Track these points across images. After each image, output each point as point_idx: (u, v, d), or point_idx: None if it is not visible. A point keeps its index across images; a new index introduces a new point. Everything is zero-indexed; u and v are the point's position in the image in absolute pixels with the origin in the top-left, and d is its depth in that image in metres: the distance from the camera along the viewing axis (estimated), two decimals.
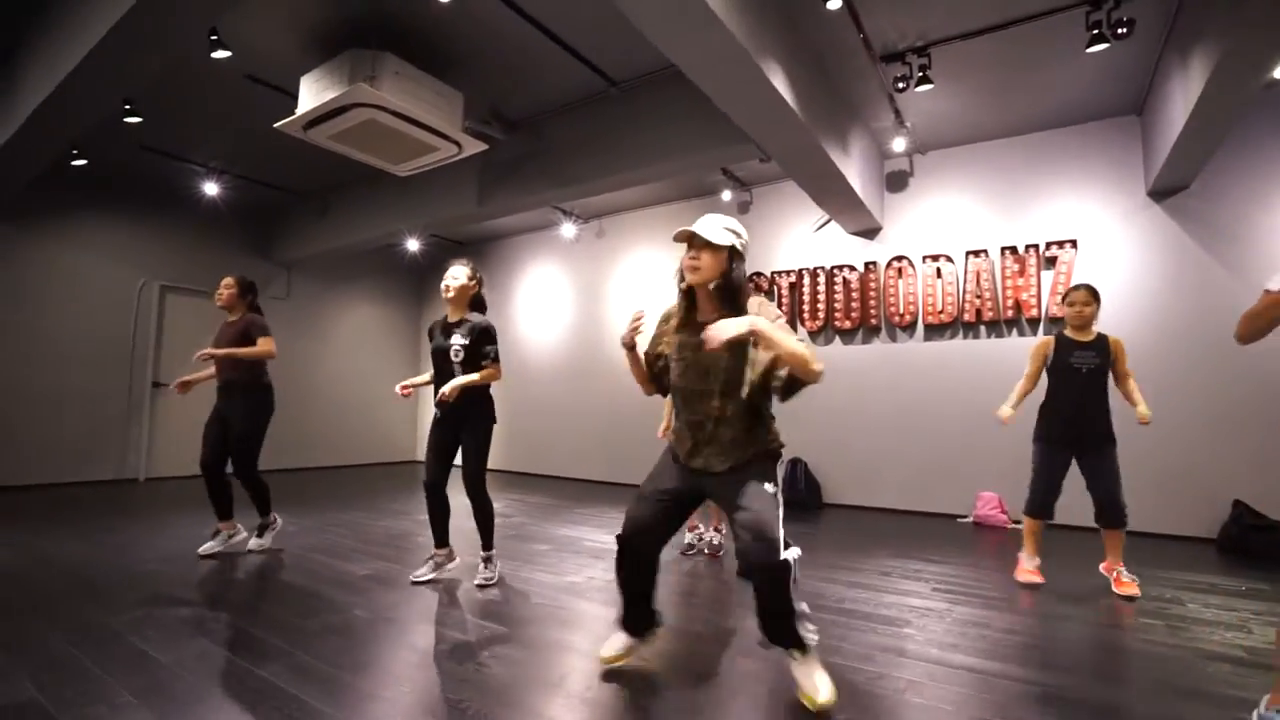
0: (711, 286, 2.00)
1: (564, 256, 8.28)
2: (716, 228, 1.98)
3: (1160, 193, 4.95)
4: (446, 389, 3.03)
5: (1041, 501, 3.41)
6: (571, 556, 3.95)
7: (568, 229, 7.72)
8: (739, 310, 1.95)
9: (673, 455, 2.16)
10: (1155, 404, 4.31)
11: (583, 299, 8.11)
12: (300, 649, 2.37)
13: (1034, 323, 5.37)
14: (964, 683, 2.19)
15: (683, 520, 2.14)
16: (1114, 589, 3.25)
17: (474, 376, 3.12)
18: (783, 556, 1.83)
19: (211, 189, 6.37)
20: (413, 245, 8.12)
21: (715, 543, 4.00)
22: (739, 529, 1.89)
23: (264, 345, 3.71)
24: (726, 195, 6.59)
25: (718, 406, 2.00)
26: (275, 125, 4.17)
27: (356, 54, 3.79)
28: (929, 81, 4.22)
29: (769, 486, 1.94)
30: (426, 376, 3.37)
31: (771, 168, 6.13)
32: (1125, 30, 3.70)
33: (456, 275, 3.25)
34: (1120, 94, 4.85)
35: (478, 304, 3.35)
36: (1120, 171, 5.13)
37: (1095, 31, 3.76)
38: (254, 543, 3.84)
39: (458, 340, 3.18)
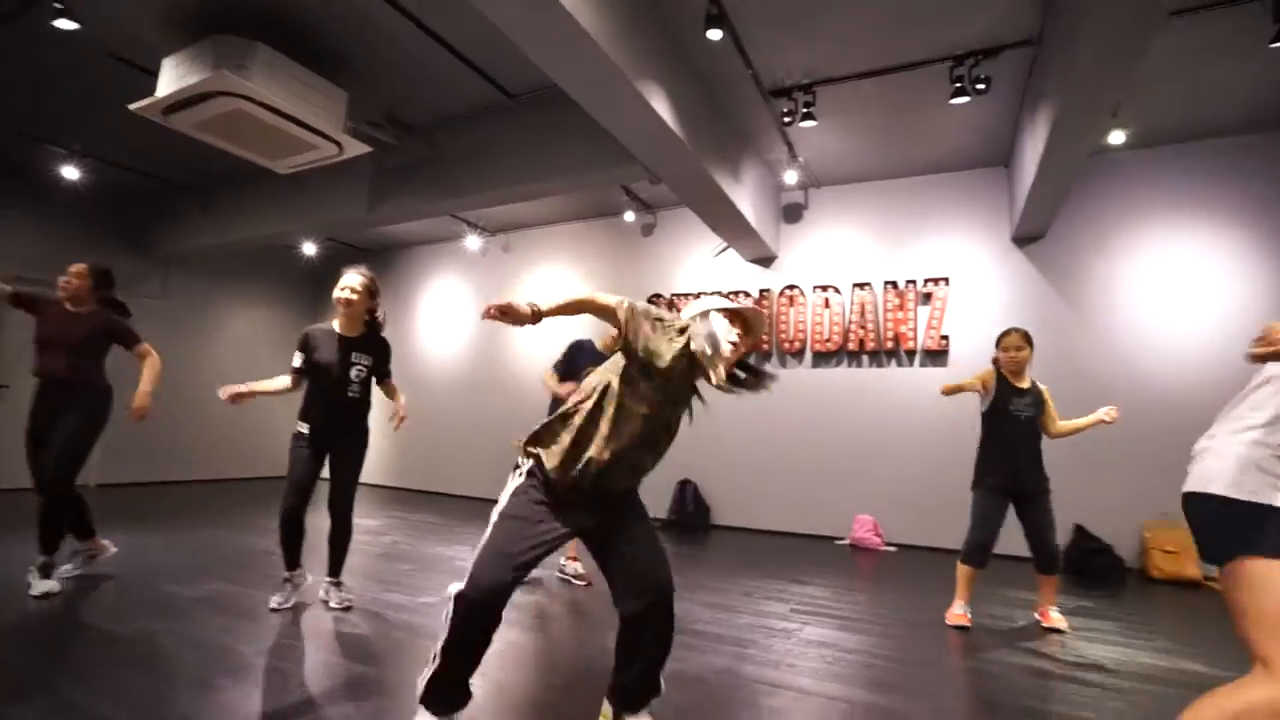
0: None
1: (468, 269, 8.10)
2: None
3: (1021, 239, 5.36)
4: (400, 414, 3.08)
5: (979, 550, 3.21)
6: (435, 576, 3.77)
7: (473, 241, 7.56)
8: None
9: (541, 488, 1.75)
10: None
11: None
12: (72, 683, 2.11)
13: (911, 354, 5.66)
14: (785, 701, 2.20)
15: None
16: (1043, 623, 3.25)
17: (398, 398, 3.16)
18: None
19: (71, 173, 5.84)
20: (308, 249, 7.73)
21: (580, 570, 3.85)
22: (636, 562, 1.74)
23: (153, 355, 3.36)
24: (630, 216, 6.65)
25: (665, 439, 1.79)
26: (131, 107, 3.87)
27: (224, 40, 3.58)
28: (813, 118, 4.41)
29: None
30: (275, 385, 2.94)
31: (672, 193, 6.24)
32: (984, 86, 4.00)
33: (354, 287, 2.93)
34: (990, 146, 5.23)
35: (372, 318, 3.10)
36: (989, 218, 5.52)
37: (958, 85, 4.05)
38: (63, 569, 3.30)
39: (362, 359, 2.99)
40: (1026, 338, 3.26)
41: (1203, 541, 1.46)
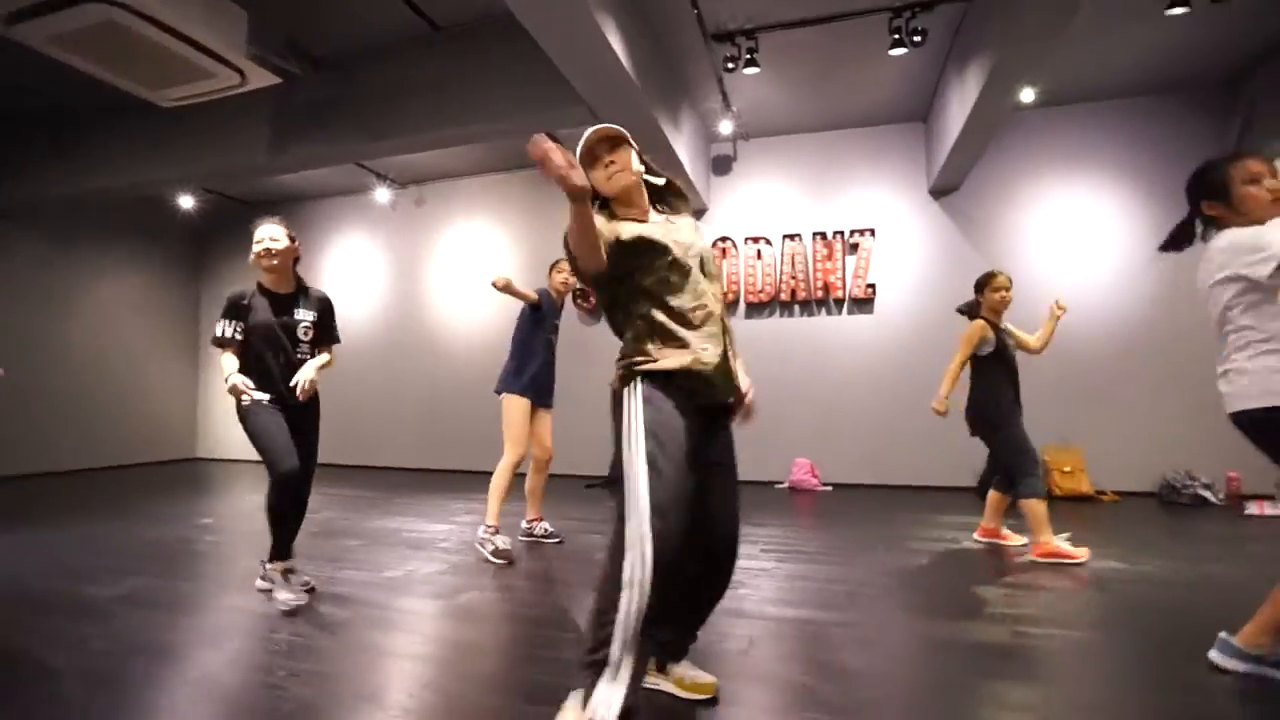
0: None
1: (378, 224, 7.49)
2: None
3: (937, 191, 5.66)
4: (305, 378, 2.54)
5: (1042, 477, 3.36)
6: (388, 549, 3.53)
7: (382, 194, 6.97)
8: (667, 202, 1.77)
9: (681, 392, 1.48)
10: (935, 372, 5.00)
11: (399, 272, 7.41)
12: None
13: (839, 303, 5.89)
14: (799, 633, 2.26)
15: None
16: (1003, 543, 3.50)
17: (324, 359, 2.71)
18: None
19: None
20: (185, 201, 6.82)
21: (549, 527, 3.73)
22: (722, 509, 1.59)
23: None
24: None
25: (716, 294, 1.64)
26: None
27: None
28: (756, 65, 4.37)
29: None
30: (232, 367, 2.54)
31: None
32: (920, 39, 4.11)
33: (275, 236, 2.62)
34: (910, 101, 5.44)
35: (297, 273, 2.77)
36: (909, 171, 5.77)
37: (896, 36, 4.14)
38: None
39: (305, 315, 2.65)
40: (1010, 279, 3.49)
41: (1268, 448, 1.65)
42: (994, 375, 3.42)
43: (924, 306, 5.64)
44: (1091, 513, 4.57)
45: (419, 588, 2.85)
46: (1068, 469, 5.12)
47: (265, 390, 2.52)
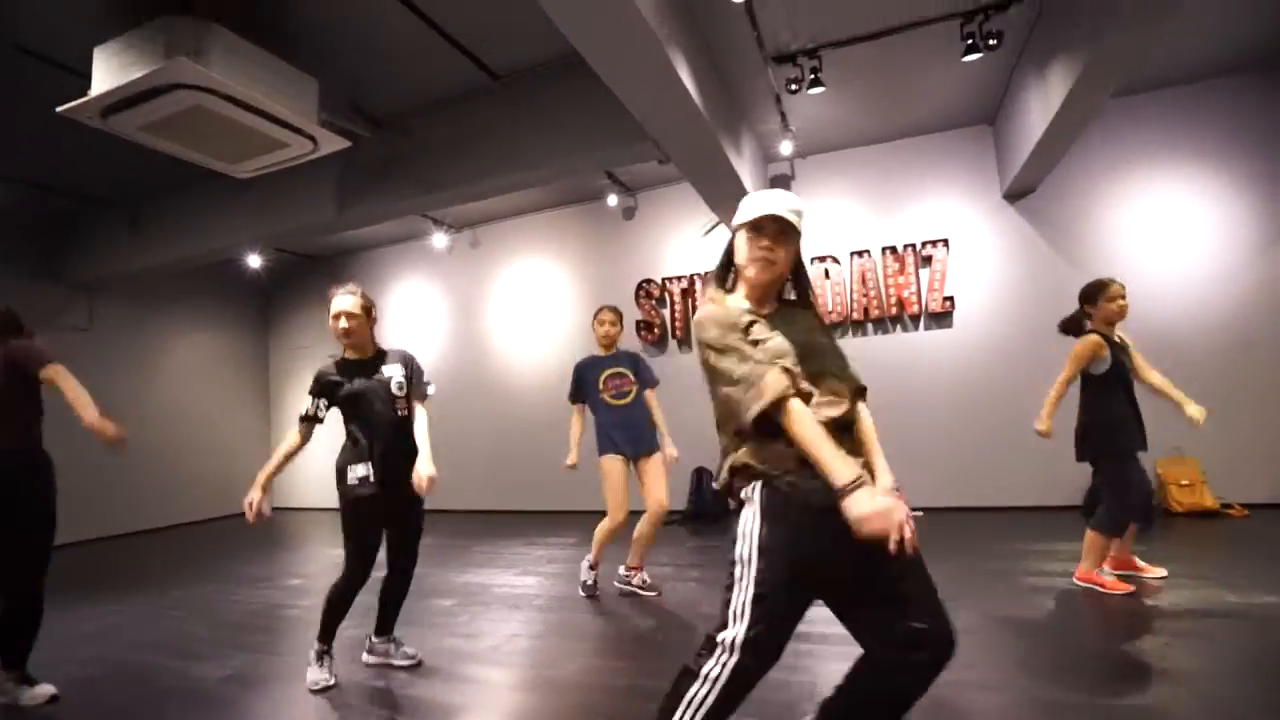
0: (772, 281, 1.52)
1: (435, 269, 7.58)
2: (792, 208, 1.48)
3: (1013, 195, 5.38)
4: (426, 474, 2.47)
5: (1139, 510, 3.06)
6: (482, 610, 3.44)
7: (439, 239, 7.05)
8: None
9: (802, 510, 1.33)
10: (1020, 387, 4.71)
11: (458, 314, 7.47)
12: None
13: (915, 319, 5.64)
14: (996, 704, 2.05)
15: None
16: (1141, 574, 3.24)
17: (424, 424, 2.63)
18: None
19: None
20: (253, 261, 7.02)
21: (647, 579, 3.61)
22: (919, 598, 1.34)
23: (63, 371, 2.46)
24: (613, 200, 6.33)
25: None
26: (61, 109, 3.25)
27: (172, 21, 3.04)
28: (820, 84, 4.23)
29: None
30: (281, 452, 2.51)
31: (655, 171, 5.96)
32: (996, 42, 3.90)
33: (350, 310, 2.54)
34: (976, 105, 5.21)
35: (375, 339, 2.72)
36: (978, 176, 5.51)
37: (969, 42, 3.94)
38: None
39: (394, 373, 2.59)
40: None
41: None
42: (1108, 396, 3.08)
43: (1006, 316, 5.35)
44: (1223, 531, 4.19)
45: (519, 659, 2.74)
46: (1185, 483, 4.72)
47: (374, 460, 2.47)
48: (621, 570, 3.62)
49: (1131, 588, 3.07)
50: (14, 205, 5.63)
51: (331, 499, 2.58)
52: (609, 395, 3.53)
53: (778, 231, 1.46)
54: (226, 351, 8.17)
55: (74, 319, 6.58)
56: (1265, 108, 4.83)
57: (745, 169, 5.01)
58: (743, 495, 1.42)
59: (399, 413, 2.56)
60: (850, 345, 5.71)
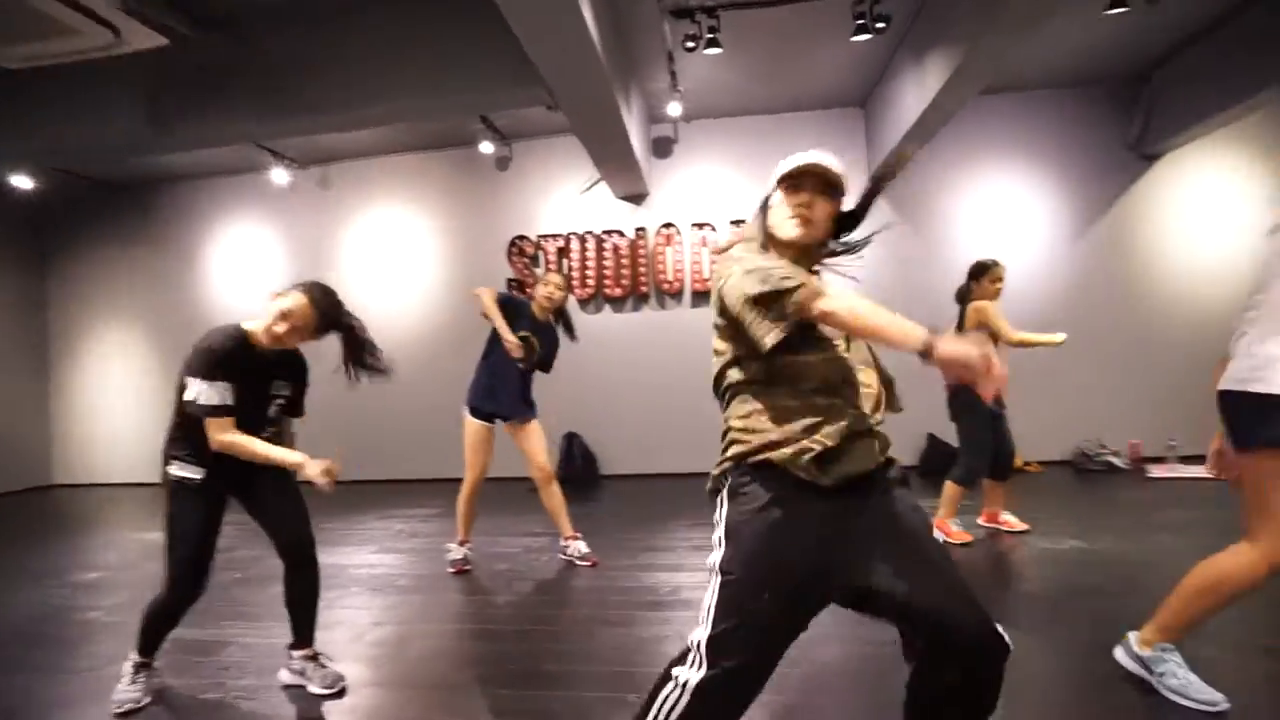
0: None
1: (273, 208, 6.58)
2: (836, 165, 1.33)
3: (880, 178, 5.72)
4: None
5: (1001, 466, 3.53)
6: (338, 597, 3.07)
7: (279, 174, 6.10)
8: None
9: (781, 493, 1.20)
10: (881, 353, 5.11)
11: (301, 262, 6.58)
12: None
13: None
14: (828, 649, 2.14)
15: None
16: (1008, 530, 3.64)
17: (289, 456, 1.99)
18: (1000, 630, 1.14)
19: None
20: (22, 182, 5.62)
21: (585, 549, 3.45)
22: (936, 593, 1.15)
23: None
24: (488, 147, 5.84)
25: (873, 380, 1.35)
26: None
27: None
28: (718, 45, 4.13)
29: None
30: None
31: (534, 120, 5.60)
32: (884, 25, 4.03)
33: (290, 306, 2.01)
34: (854, 86, 5.43)
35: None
36: (849, 156, 5.78)
37: (860, 22, 4.04)
38: None
39: (282, 390, 2.11)
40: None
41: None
42: None
43: (869, 291, 5.72)
44: (1023, 483, 4.85)
45: (382, 650, 2.47)
46: None
47: (201, 465, 2.00)
48: (562, 540, 3.48)
49: (969, 537, 3.45)
50: None
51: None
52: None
53: (817, 189, 1.33)
54: None
55: None
56: (1102, 119, 5.53)
57: (633, 126, 4.83)
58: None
59: (263, 429, 2.06)
60: None
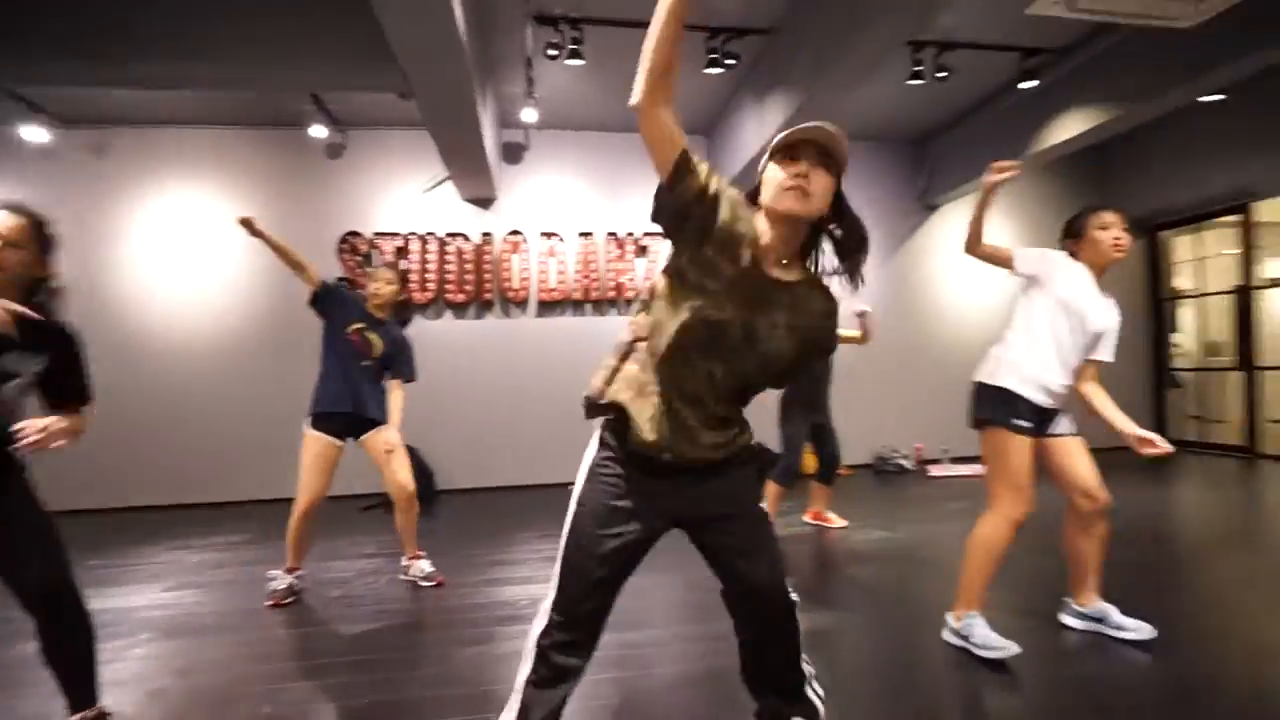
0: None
1: (29, 175, 5.25)
2: (837, 134, 1.24)
3: None
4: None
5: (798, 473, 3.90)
6: (126, 647, 2.53)
7: (34, 132, 4.95)
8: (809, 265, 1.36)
9: (616, 459, 1.33)
10: None
11: (66, 243, 5.39)
12: None
13: (630, 303, 6.03)
14: (662, 653, 2.22)
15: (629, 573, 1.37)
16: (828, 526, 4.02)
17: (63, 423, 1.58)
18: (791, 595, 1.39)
19: None
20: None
21: (428, 569, 3.16)
22: (747, 562, 1.35)
23: None
24: (320, 131, 5.27)
25: (752, 373, 1.31)
26: None
27: None
28: (580, 57, 4.18)
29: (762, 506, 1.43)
30: None
31: (372, 108, 5.22)
32: (734, 62, 4.36)
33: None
34: (701, 115, 5.78)
35: (37, 286, 1.67)
36: None
37: (713, 56, 4.32)
38: None
39: (22, 365, 1.57)
40: None
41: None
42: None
43: None
44: (838, 485, 5.45)
45: (191, 701, 2.10)
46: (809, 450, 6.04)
47: None
48: (403, 559, 3.19)
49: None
50: None
51: None
52: (352, 345, 2.96)
53: (816, 159, 1.24)
54: None
55: None
56: (897, 171, 6.44)
57: (487, 127, 4.67)
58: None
59: None
60: (570, 324, 5.90)
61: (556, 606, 1.32)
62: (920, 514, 4.48)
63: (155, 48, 3.47)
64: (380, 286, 3.05)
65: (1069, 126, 4.95)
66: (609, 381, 1.34)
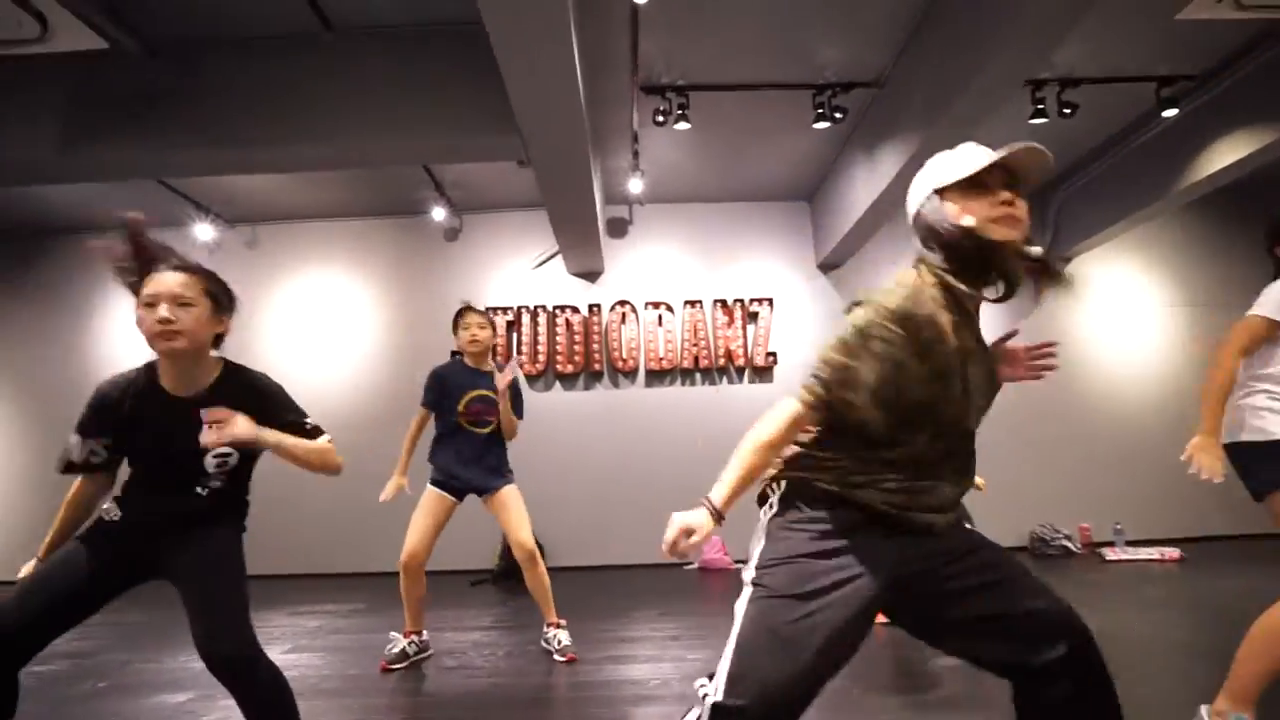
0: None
1: None
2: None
3: (825, 266, 5.94)
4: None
5: None
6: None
7: (203, 230, 5.60)
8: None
9: (855, 526, 1.19)
10: None
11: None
12: None
13: (740, 370, 5.80)
14: None
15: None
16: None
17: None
18: None
19: None
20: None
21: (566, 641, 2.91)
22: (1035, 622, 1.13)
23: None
24: (439, 214, 5.65)
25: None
26: None
27: None
28: (687, 120, 4.25)
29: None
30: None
31: (486, 194, 5.57)
32: (841, 116, 4.30)
33: (174, 286, 1.54)
34: (801, 182, 5.73)
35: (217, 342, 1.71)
36: (798, 245, 6.02)
37: (820, 111, 4.29)
38: None
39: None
40: None
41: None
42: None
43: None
44: None
45: None
46: None
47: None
48: (545, 627, 2.97)
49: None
50: None
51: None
52: (466, 420, 2.87)
53: (1009, 182, 1.17)
54: None
55: None
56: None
57: (597, 195, 4.80)
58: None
59: (198, 490, 1.60)
60: (679, 394, 5.72)
61: None
62: (1107, 604, 3.73)
63: (313, 132, 3.79)
64: (474, 333, 2.93)
65: (1224, 154, 4.46)
66: None
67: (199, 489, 1.58)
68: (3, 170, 3.73)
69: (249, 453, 1.64)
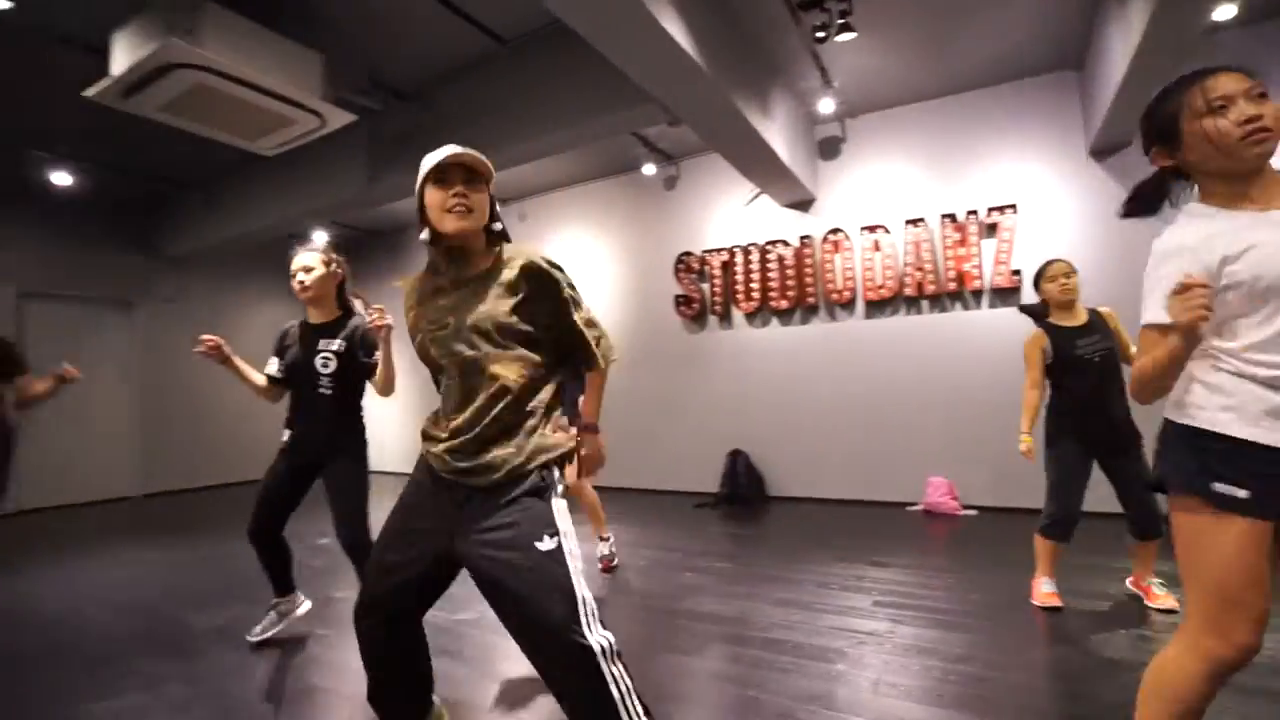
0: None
1: None
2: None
3: (1101, 151, 4.64)
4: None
5: (1063, 522, 2.76)
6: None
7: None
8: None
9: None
10: None
11: None
12: None
13: (977, 295, 5.05)
14: None
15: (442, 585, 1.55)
16: (1148, 603, 2.74)
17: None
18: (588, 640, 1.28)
19: (62, 179, 5.54)
20: (319, 237, 7.38)
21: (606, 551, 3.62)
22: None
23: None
24: (650, 169, 6.08)
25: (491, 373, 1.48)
26: (87, 93, 3.47)
27: (173, 1, 3.13)
28: (850, 29, 3.77)
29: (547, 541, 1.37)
30: (252, 377, 2.62)
31: (694, 139, 5.66)
32: None
33: (308, 264, 2.56)
34: (1058, 48, 4.50)
35: (343, 299, 2.68)
36: (1060, 130, 4.80)
37: None
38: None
39: (329, 345, 2.52)
40: (1070, 264, 2.83)
41: None
42: (1055, 385, 2.85)
43: (1085, 292, 4.65)
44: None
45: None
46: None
47: (292, 427, 2.56)
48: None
49: (1058, 602, 2.75)
50: (105, 186, 6.19)
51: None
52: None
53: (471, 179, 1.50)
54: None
55: (164, 290, 7.24)
56: None
57: (777, 131, 4.61)
58: None
59: (319, 390, 2.50)
60: (901, 325, 5.28)
61: None
62: None
63: (520, 132, 4.49)
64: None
65: None
66: None
67: None
68: (337, 205, 5.48)
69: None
